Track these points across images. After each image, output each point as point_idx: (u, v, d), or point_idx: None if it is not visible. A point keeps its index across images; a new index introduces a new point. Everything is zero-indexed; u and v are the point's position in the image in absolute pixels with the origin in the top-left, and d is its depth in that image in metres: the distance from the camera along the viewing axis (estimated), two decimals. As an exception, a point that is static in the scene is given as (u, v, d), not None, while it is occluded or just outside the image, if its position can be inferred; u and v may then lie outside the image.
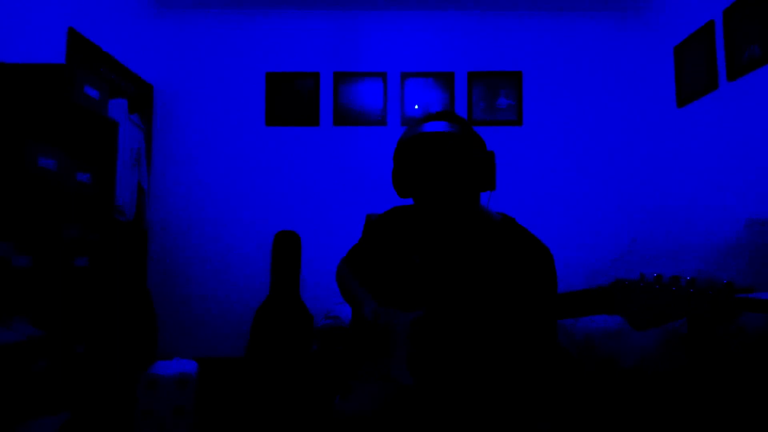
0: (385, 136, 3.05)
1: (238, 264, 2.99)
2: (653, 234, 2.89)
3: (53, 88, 1.80)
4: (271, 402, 2.59)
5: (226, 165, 3.04)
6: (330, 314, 2.27)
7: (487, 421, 0.98)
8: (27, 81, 1.77)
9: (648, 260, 2.86)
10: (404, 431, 0.99)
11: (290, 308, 2.87)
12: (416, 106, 3.08)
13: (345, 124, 3.08)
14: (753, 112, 2.12)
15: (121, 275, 2.47)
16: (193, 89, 3.07)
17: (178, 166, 3.03)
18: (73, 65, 2.22)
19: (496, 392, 1.00)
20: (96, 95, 1.97)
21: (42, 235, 1.77)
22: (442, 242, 1.11)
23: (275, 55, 3.10)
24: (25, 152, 1.65)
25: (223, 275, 2.99)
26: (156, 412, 2.18)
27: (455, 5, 3.09)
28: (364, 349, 1.14)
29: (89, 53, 2.38)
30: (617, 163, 3.07)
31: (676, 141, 2.70)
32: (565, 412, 1.71)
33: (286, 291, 2.91)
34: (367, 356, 1.13)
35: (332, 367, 2.02)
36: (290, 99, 3.08)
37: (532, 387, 1.00)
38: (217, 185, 3.03)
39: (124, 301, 2.46)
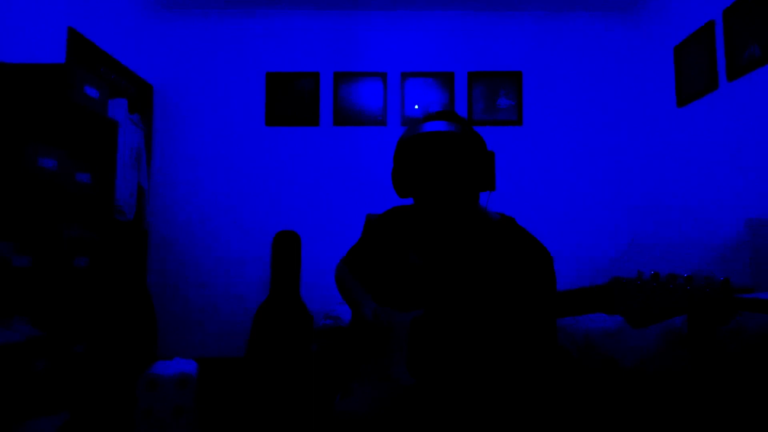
0: (385, 136, 3.05)
1: (238, 264, 2.99)
2: (653, 234, 2.89)
3: (53, 87, 1.80)
4: (271, 402, 2.59)
5: (226, 165, 3.04)
6: (330, 314, 2.27)
7: (487, 421, 0.98)
8: (27, 81, 1.77)
9: (648, 260, 2.86)
10: (404, 431, 0.99)
11: (290, 308, 2.87)
12: (416, 106, 3.08)
13: (345, 124, 3.08)
14: (753, 112, 2.12)
15: (121, 275, 2.47)
16: (193, 89, 3.07)
17: (178, 166, 3.03)
18: (73, 65, 2.21)
19: (495, 392, 1.00)
20: (96, 95, 1.97)
21: (42, 235, 1.77)
22: (442, 242, 1.11)
23: (275, 55, 3.10)
24: (25, 152, 1.65)
25: (223, 275, 2.99)
26: (156, 412, 2.18)
27: (455, 5, 3.09)
28: (364, 349, 1.14)
29: (89, 53, 2.38)
30: (617, 163, 3.07)
31: (676, 141, 2.70)
32: (565, 412, 1.71)
33: (286, 291, 2.90)
34: (367, 356, 1.13)
35: (332, 367, 2.02)
36: (290, 99, 3.08)
37: (532, 387, 1.00)
38: (217, 185, 3.03)
39: (123, 301, 2.46)
